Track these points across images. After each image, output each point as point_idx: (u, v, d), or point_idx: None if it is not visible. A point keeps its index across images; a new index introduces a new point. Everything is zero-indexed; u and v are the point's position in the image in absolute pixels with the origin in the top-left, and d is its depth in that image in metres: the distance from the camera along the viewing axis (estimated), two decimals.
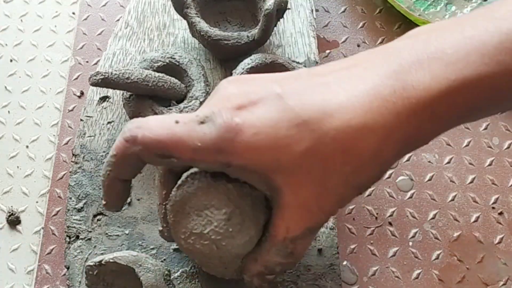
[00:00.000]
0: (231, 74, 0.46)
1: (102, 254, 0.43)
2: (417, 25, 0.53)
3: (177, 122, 0.31)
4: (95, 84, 0.43)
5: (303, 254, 0.34)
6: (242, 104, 0.31)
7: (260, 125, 0.30)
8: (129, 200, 0.45)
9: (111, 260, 0.38)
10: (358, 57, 0.33)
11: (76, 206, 0.45)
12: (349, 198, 0.32)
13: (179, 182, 0.35)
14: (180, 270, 0.42)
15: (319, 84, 0.31)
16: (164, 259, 0.43)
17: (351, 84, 0.31)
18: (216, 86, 0.34)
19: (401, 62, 0.30)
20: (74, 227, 0.44)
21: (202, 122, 0.31)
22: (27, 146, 0.50)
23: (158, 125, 0.31)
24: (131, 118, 0.45)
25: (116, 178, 0.34)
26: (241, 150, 0.30)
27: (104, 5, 0.56)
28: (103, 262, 0.38)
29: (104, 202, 0.35)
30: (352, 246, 0.46)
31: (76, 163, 0.46)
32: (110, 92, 0.49)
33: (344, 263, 0.45)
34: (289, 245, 0.33)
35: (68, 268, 0.43)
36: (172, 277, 0.41)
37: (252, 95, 0.31)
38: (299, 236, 0.32)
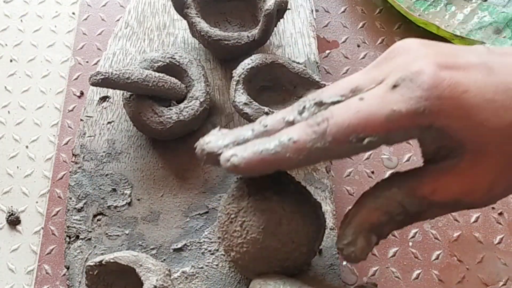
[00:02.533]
0: (231, 74, 0.46)
1: (102, 254, 0.43)
2: (417, 26, 0.53)
3: (361, 99, 0.28)
4: (95, 84, 0.43)
5: (427, 219, 0.31)
6: (446, 64, 0.28)
7: (469, 84, 0.27)
8: (129, 200, 0.45)
9: (111, 260, 0.38)
10: None
11: (76, 206, 0.45)
12: None
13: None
14: (180, 271, 0.42)
15: None
16: (164, 259, 0.43)
17: None
18: (394, 48, 0.31)
19: None
20: (74, 227, 0.44)
21: (395, 86, 0.28)
22: (27, 146, 0.50)
23: (342, 110, 0.29)
24: (131, 118, 0.45)
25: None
26: (450, 108, 0.27)
27: (104, 5, 0.57)
28: (103, 262, 0.38)
29: None
30: None
31: (76, 163, 0.46)
32: (110, 92, 0.49)
33: (344, 263, 0.45)
34: (423, 205, 0.30)
35: (68, 268, 0.43)
36: (172, 277, 0.41)
37: (456, 58, 0.29)
38: (440, 204, 0.30)
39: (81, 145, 0.47)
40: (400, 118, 0.27)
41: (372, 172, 0.48)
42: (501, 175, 0.29)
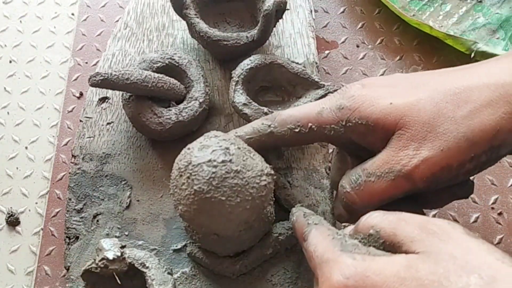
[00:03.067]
0: (230, 75, 0.46)
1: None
2: (412, 26, 0.53)
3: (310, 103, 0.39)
4: (94, 85, 0.43)
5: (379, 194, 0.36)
6: (367, 82, 0.37)
7: (378, 83, 0.37)
8: (128, 201, 0.45)
9: (112, 260, 0.38)
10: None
11: (76, 207, 0.45)
12: (455, 149, 0.33)
13: None
14: (180, 271, 0.42)
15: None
16: (164, 260, 0.43)
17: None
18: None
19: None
20: (74, 228, 0.44)
21: (327, 95, 0.39)
22: (26, 147, 0.50)
23: (291, 108, 0.40)
24: (130, 119, 0.45)
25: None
26: (361, 101, 0.35)
27: (103, 6, 0.57)
28: (103, 262, 0.38)
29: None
30: None
31: (76, 164, 0.46)
32: (109, 93, 0.49)
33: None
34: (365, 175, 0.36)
35: (67, 269, 0.43)
36: (172, 277, 0.41)
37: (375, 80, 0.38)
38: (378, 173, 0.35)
39: (80, 146, 0.47)
40: (326, 113, 0.37)
41: None
42: (423, 143, 0.33)
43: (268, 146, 0.40)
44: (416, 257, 0.27)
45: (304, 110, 0.38)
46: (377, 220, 0.30)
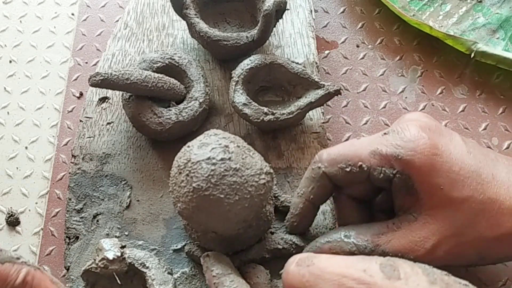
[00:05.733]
0: (230, 75, 0.46)
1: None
2: (412, 26, 0.53)
3: (358, 138, 0.38)
4: (94, 85, 0.43)
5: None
6: (430, 127, 0.35)
7: (444, 150, 0.34)
8: (128, 201, 0.45)
9: (112, 260, 0.38)
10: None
11: (76, 207, 0.45)
12: (466, 254, 0.35)
13: None
14: (180, 271, 0.42)
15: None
16: (164, 260, 0.43)
17: None
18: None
19: None
20: (74, 228, 0.44)
21: (385, 134, 0.36)
22: (26, 147, 0.50)
23: (340, 145, 0.38)
24: (130, 119, 0.45)
25: (309, 202, 0.38)
26: (418, 162, 0.34)
27: (103, 6, 0.57)
28: (103, 262, 0.38)
29: (294, 224, 0.40)
30: None
31: (76, 164, 0.46)
32: (109, 93, 0.49)
33: None
34: (374, 250, 0.35)
35: (67, 269, 0.43)
36: (172, 277, 0.41)
37: (439, 127, 0.36)
38: (386, 253, 0.35)
39: (80, 146, 0.47)
40: (380, 156, 0.35)
41: None
42: (443, 241, 0.34)
43: (329, 192, 0.39)
44: None
45: (355, 148, 0.36)
46: (296, 281, 0.31)
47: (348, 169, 0.36)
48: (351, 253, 0.35)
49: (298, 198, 0.39)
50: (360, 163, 0.36)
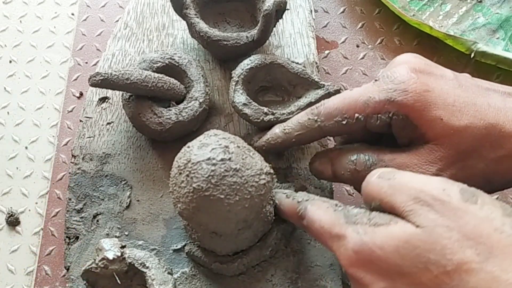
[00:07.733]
0: (230, 75, 0.46)
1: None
2: (412, 26, 0.53)
3: (351, 90, 0.38)
4: (94, 85, 0.43)
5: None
6: (420, 69, 0.36)
7: (434, 87, 0.35)
8: (128, 201, 0.45)
9: (112, 260, 0.38)
10: None
11: (76, 207, 0.45)
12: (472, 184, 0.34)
13: None
14: (180, 271, 0.42)
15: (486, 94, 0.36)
16: (164, 260, 0.43)
17: None
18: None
19: None
20: (74, 228, 0.44)
21: (376, 80, 0.36)
22: (26, 147, 0.50)
23: (334, 97, 0.38)
24: (130, 119, 0.45)
25: (290, 141, 0.40)
26: (412, 100, 0.34)
27: (103, 6, 0.57)
28: (103, 262, 0.38)
29: (263, 148, 0.42)
30: None
31: (76, 164, 0.46)
32: (109, 93, 0.49)
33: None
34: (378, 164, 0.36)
35: (67, 269, 0.43)
36: (172, 277, 0.41)
37: (434, 68, 0.36)
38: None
39: (80, 146, 0.47)
40: (374, 103, 0.36)
41: None
42: (449, 166, 0.35)
43: (316, 139, 0.40)
44: (412, 232, 0.28)
45: (349, 100, 0.37)
46: (374, 192, 0.31)
47: (344, 122, 0.37)
48: (351, 162, 0.37)
49: (280, 133, 0.41)
50: (356, 114, 0.36)
